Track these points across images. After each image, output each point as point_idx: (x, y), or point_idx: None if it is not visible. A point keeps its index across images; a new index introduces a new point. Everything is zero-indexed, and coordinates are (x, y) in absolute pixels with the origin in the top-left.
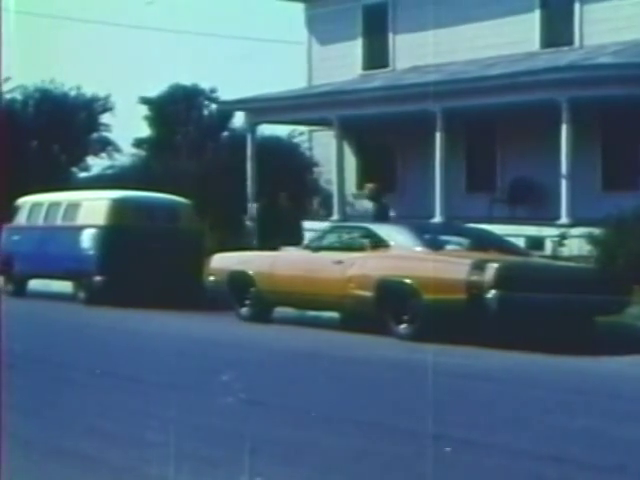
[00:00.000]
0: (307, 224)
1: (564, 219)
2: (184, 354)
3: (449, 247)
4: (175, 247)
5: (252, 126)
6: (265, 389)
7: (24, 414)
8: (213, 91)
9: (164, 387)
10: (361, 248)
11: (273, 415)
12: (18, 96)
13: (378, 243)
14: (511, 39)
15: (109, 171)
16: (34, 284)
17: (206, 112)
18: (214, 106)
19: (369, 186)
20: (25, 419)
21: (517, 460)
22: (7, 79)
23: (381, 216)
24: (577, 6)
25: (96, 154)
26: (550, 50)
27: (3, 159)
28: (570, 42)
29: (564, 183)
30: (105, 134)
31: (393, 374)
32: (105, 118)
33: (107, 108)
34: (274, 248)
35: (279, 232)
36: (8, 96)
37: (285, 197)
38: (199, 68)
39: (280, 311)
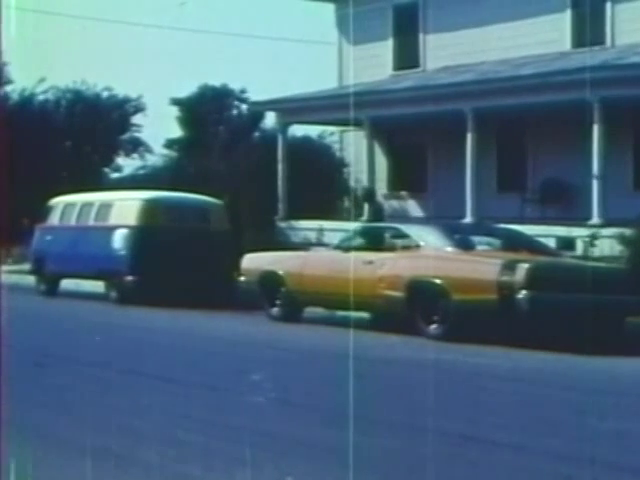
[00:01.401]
0: (335, 224)
1: (595, 219)
2: (214, 354)
3: (480, 247)
4: (206, 247)
5: (283, 127)
6: (295, 389)
7: (56, 413)
8: (243, 91)
9: (195, 386)
10: (391, 248)
11: (303, 415)
12: (51, 97)
13: (408, 243)
14: (542, 39)
15: (141, 172)
16: (66, 284)
17: (236, 112)
18: (244, 107)
19: (363, 187)
20: (57, 418)
21: (548, 462)
22: (41, 80)
23: (376, 217)
24: (608, 5)
25: (128, 155)
26: (581, 50)
27: (37, 160)
28: (602, 42)
29: (595, 183)
30: (136, 135)
31: (423, 374)
32: (137, 119)
33: (139, 109)
34: None
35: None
36: (42, 97)
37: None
38: (230, 69)
39: (310, 311)
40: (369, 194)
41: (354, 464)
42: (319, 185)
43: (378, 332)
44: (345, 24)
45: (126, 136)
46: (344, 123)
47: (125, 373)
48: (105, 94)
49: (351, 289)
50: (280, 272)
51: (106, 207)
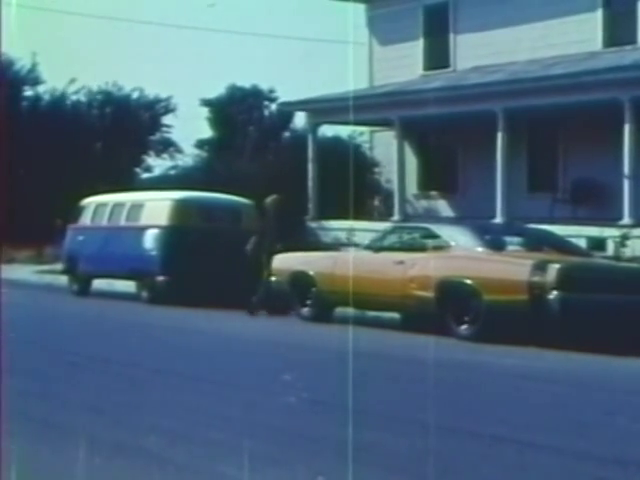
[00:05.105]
0: (366, 224)
1: (626, 219)
2: (246, 353)
3: (510, 248)
4: (237, 247)
5: (313, 127)
6: (326, 389)
7: (88, 412)
8: (272, 91)
9: (226, 386)
10: (422, 249)
11: (334, 415)
12: (83, 98)
13: (439, 244)
14: (573, 39)
15: (172, 172)
16: (98, 284)
17: (266, 113)
18: (274, 107)
19: (271, 198)
20: (90, 417)
21: (579, 462)
22: (72, 80)
23: (280, 235)
24: None
25: (158, 155)
26: (612, 49)
27: (69, 160)
28: (633, 41)
29: (626, 183)
30: (167, 135)
31: (454, 375)
32: (167, 119)
33: (169, 109)
34: None
35: None
36: (73, 98)
37: None
38: (261, 69)
39: (341, 311)
40: (278, 207)
41: (385, 464)
42: (349, 185)
43: (409, 332)
44: (375, 24)
45: (157, 136)
46: (374, 123)
47: (157, 373)
48: (135, 95)
49: (382, 289)
50: (311, 272)
51: (137, 207)
